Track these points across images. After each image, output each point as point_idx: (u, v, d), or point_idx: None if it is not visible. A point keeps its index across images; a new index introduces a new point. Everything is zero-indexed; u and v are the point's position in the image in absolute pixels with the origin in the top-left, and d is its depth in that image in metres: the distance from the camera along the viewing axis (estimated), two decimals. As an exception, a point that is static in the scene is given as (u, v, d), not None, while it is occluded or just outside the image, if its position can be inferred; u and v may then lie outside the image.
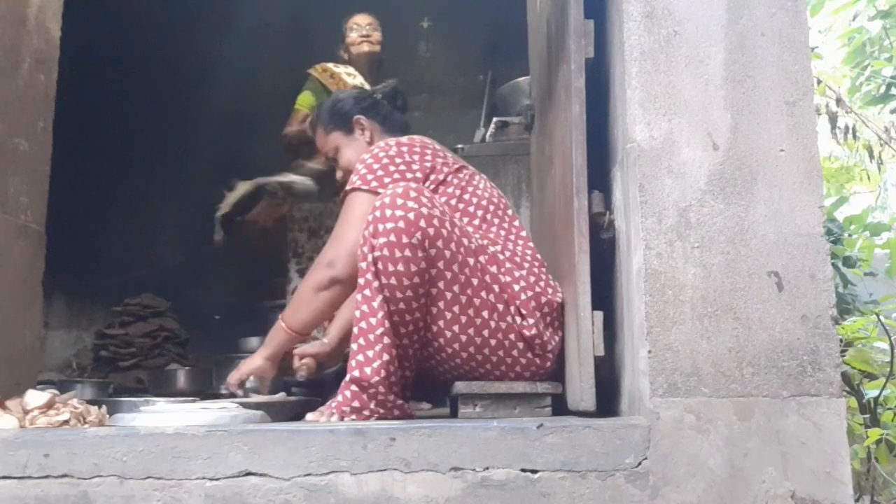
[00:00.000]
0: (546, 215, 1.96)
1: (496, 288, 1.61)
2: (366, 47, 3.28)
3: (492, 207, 1.78)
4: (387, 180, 1.72)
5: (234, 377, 1.88)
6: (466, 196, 1.76)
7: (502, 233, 1.75)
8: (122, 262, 4.36)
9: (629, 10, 1.38)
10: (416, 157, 1.77)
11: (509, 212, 1.81)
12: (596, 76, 1.57)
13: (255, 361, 1.87)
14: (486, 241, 1.69)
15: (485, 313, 1.59)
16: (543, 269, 1.71)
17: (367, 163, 1.76)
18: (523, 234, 1.78)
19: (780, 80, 1.35)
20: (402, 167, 1.74)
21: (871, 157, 5.90)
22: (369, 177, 1.74)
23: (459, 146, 3.41)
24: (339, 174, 2.07)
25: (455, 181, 1.78)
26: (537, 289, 1.64)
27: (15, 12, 1.92)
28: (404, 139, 1.83)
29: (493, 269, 1.62)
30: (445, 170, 1.78)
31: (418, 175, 1.75)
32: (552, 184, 1.81)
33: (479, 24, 4.51)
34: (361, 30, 3.29)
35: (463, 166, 1.83)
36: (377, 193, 1.68)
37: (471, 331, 1.59)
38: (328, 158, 2.13)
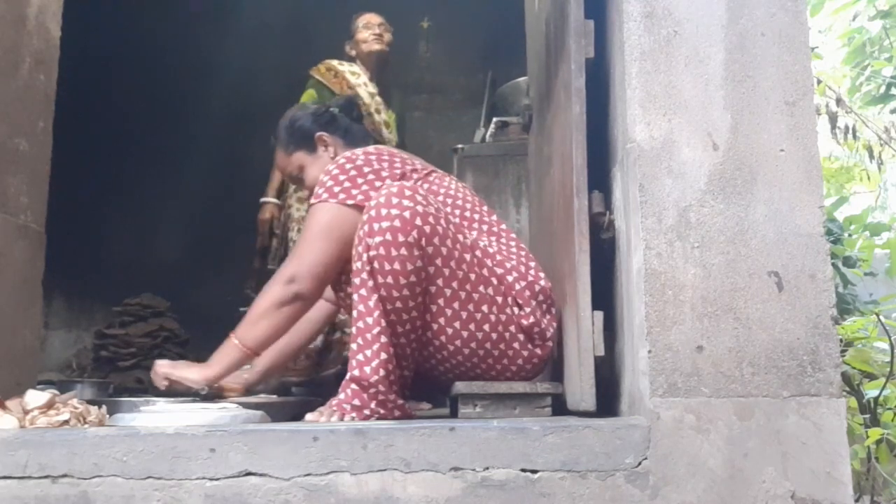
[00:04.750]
0: (545, 215, 1.96)
1: (494, 281, 1.62)
2: (376, 46, 3.30)
3: (468, 206, 1.77)
4: (354, 191, 1.68)
5: (163, 373, 1.76)
6: (440, 198, 1.75)
7: (484, 227, 1.75)
8: (122, 262, 4.36)
9: (629, 10, 1.38)
10: (384, 165, 1.74)
11: (485, 208, 1.81)
12: (596, 76, 1.57)
13: (194, 376, 1.74)
14: (475, 235, 1.69)
15: (484, 307, 1.60)
16: (531, 258, 1.73)
17: (333, 174, 1.72)
18: (503, 227, 1.79)
19: (780, 80, 1.35)
20: (371, 176, 1.71)
21: (871, 157, 5.91)
22: (336, 188, 1.69)
23: (459, 146, 3.41)
24: (304, 194, 2.03)
25: (426, 186, 1.76)
26: (529, 277, 1.66)
27: (15, 12, 1.92)
28: (371, 148, 1.80)
29: (488, 262, 1.63)
30: (415, 175, 1.76)
31: (388, 182, 1.72)
32: (551, 184, 1.81)
33: (479, 24, 4.52)
34: (374, 28, 3.31)
35: (433, 170, 1.82)
36: (345, 205, 1.66)
37: (472, 326, 1.59)
38: (292, 178, 2.07)
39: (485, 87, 4.26)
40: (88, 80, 3.91)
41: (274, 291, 1.69)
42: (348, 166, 1.72)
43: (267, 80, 4.35)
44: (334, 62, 3.32)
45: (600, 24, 1.54)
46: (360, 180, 1.70)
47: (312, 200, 1.73)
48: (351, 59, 3.37)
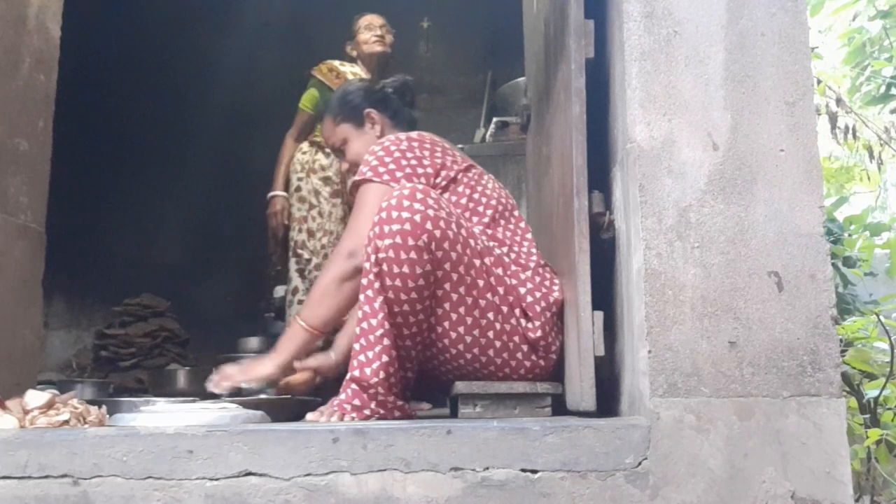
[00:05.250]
0: (544, 215, 1.96)
1: (501, 290, 1.60)
2: (378, 48, 3.32)
3: (500, 208, 1.77)
4: (398, 174, 1.71)
5: (232, 379, 1.74)
6: (476, 196, 1.75)
7: (508, 234, 1.74)
8: (122, 262, 4.36)
9: (629, 10, 1.38)
10: (426, 153, 1.76)
11: (515, 213, 1.81)
12: (596, 76, 1.57)
13: (266, 368, 1.74)
14: (492, 244, 1.68)
15: (490, 315, 1.59)
16: (547, 269, 1.71)
17: (379, 155, 1.75)
18: (528, 236, 1.77)
19: (780, 80, 1.35)
20: (414, 162, 1.74)
21: (871, 157, 5.90)
22: (381, 169, 1.73)
23: (459, 146, 3.41)
24: (344, 166, 2.07)
25: (465, 180, 1.77)
26: (544, 289, 1.64)
27: (15, 12, 1.92)
28: (414, 134, 1.81)
29: (499, 270, 1.62)
30: (455, 167, 1.77)
31: (429, 171, 1.73)
32: (550, 184, 1.81)
33: (479, 24, 4.52)
34: (375, 30, 3.33)
35: (471, 165, 1.83)
36: (389, 186, 1.68)
37: (476, 332, 1.58)
38: (334, 149, 2.11)
39: (485, 87, 4.27)
40: (88, 80, 3.91)
41: (335, 268, 1.71)
42: (392, 148, 1.75)
43: (267, 80, 4.36)
44: (335, 63, 3.32)
45: (600, 24, 1.54)
46: (403, 162, 1.73)
47: (357, 177, 1.75)
48: (352, 60, 3.37)
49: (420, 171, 1.73)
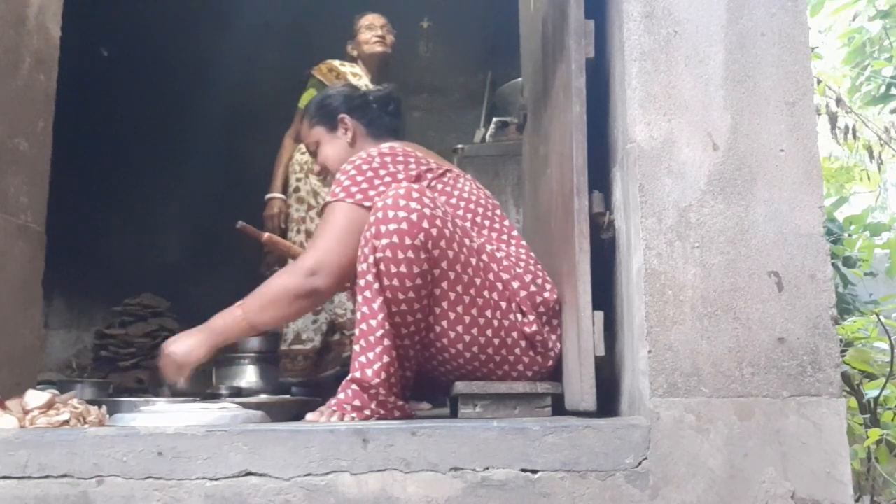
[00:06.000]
0: (541, 215, 1.96)
1: (499, 286, 1.61)
2: (379, 48, 3.32)
3: (480, 210, 1.75)
4: (371, 192, 1.67)
5: (175, 373, 1.73)
6: (453, 200, 1.73)
7: (493, 234, 1.74)
8: (122, 262, 4.36)
9: (629, 10, 1.38)
10: (400, 167, 1.73)
11: (498, 212, 1.80)
12: (595, 76, 1.57)
13: (199, 352, 1.71)
14: (482, 240, 1.69)
15: (488, 312, 1.59)
16: (539, 268, 1.71)
17: (350, 174, 1.72)
18: (514, 233, 1.77)
19: (780, 80, 1.35)
20: (388, 178, 1.70)
21: (871, 157, 5.91)
22: (353, 189, 1.69)
23: (459, 146, 3.41)
24: (315, 168, 2.07)
25: (440, 186, 1.75)
26: (533, 287, 1.65)
27: (15, 12, 1.92)
28: (385, 148, 1.78)
29: (494, 266, 1.63)
30: (430, 175, 1.75)
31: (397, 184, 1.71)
32: (548, 184, 1.81)
33: (479, 24, 4.52)
34: (376, 30, 3.33)
35: (447, 170, 1.80)
36: (362, 206, 1.66)
37: (474, 331, 1.58)
38: (309, 150, 2.10)
39: (485, 87, 4.27)
40: (88, 80, 3.91)
41: (293, 281, 1.67)
42: (364, 167, 1.72)
43: (267, 80, 4.36)
44: (336, 62, 3.32)
45: (600, 24, 1.54)
46: (376, 181, 1.70)
47: (329, 198, 1.73)
48: (352, 60, 3.37)
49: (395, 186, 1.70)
